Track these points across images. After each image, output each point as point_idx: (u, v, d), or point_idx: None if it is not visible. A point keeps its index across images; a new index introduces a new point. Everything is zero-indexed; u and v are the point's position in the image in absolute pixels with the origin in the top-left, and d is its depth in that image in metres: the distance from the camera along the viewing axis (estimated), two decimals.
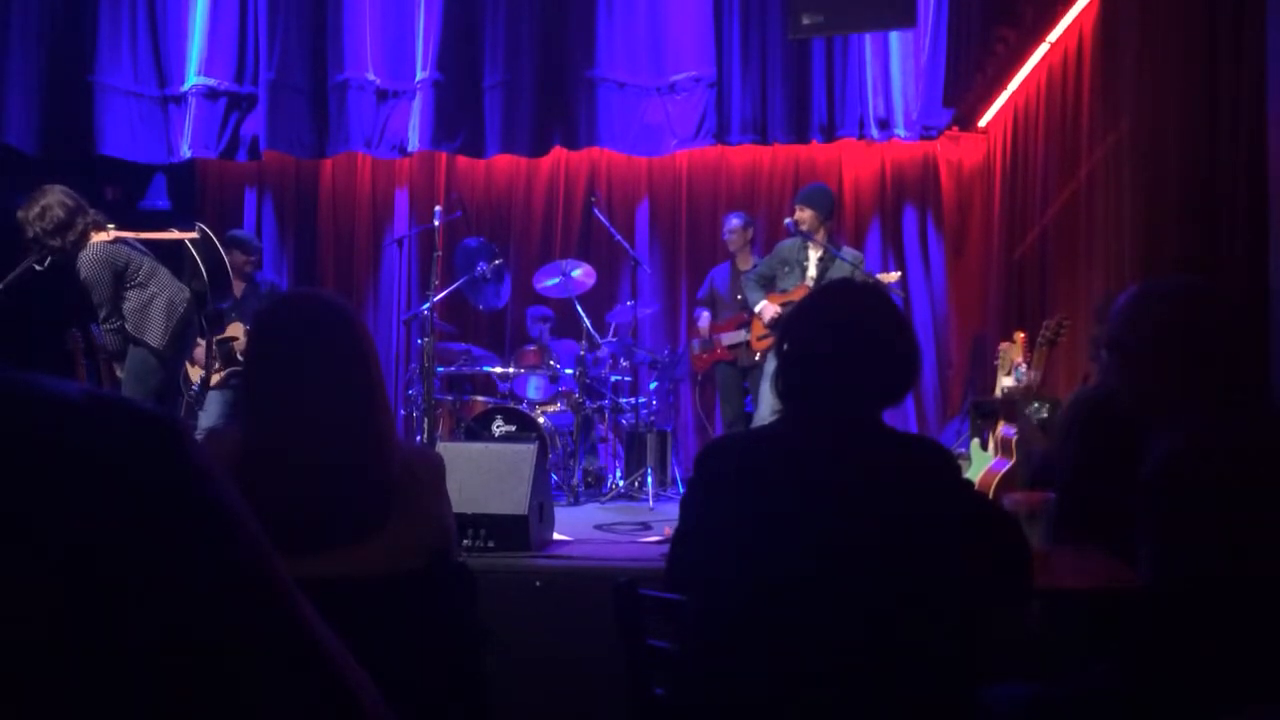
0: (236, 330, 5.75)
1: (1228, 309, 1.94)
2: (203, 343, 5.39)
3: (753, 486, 1.80)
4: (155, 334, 4.63)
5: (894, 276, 5.85)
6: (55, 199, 4.58)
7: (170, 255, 4.95)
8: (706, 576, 1.85)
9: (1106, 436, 2.34)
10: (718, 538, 1.84)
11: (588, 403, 6.37)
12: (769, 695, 1.71)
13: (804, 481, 1.77)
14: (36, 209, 4.56)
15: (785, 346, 1.89)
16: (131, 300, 4.63)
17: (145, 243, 4.86)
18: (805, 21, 5.66)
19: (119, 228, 4.77)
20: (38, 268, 4.61)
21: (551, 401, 6.58)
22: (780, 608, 1.72)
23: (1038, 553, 1.99)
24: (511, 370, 6.60)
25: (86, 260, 4.57)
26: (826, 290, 2.12)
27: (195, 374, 5.68)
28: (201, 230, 5.03)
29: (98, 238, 4.62)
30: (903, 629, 1.70)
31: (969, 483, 1.85)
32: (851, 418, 1.81)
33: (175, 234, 5.03)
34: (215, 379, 5.65)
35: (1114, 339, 1.99)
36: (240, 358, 5.59)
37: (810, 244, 5.89)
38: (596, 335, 6.50)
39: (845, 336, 1.83)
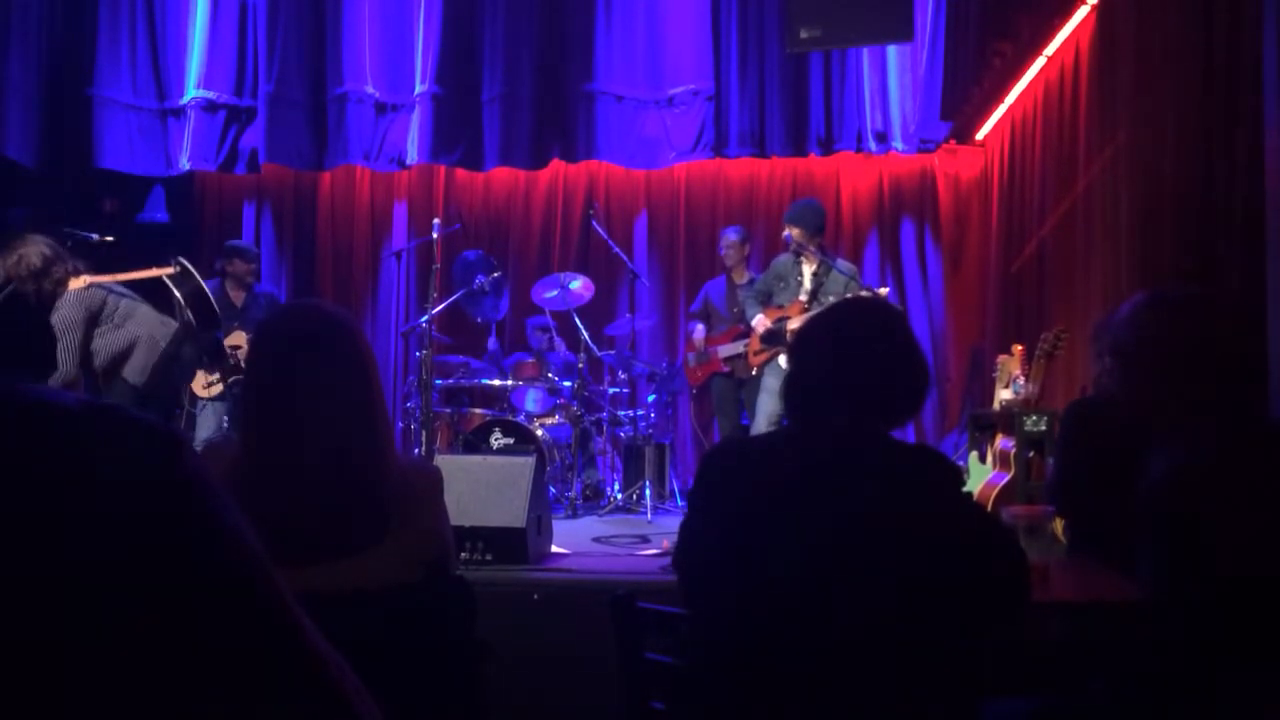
0: (239, 339, 5.75)
1: (1233, 319, 1.92)
2: (215, 375, 5.42)
3: (754, 497, 1.80)
4: (134, 370, 4.64)
5: (883, 293, 5.86)
6: (33, 249, 4.59)
7: (156, 293, 4.95)
8: (708, 588, 1.85)
9: (1097, 448, 2.33)
10: (719, 546, 1.83)
11: (586, 415, 6.37)
12: (768, 709, 1.71)
13: (805, 493, 1.76)
14: (13, 257, 4.58)
15: (797, 360, 1.89)
16: (107, 341, 4.63)
17: (126, 283, 4.85)
18: (803, 35, 5.67)
19: (108, 255, 4.77)
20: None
21: (550, 414, 6.57)
22: (779, 620, 1.72)
23: (1036, 565, 1.98)
24: (510, 383, 6.60)
25: (62, 303, 4.59)
26: (842, 306, 2.12)
27: (201, 385, 5.66)
28: (179, 263, 4.97)
29: (72, 285, 4.62)
30: (902, 643, 1.70)
31: (969, 495, 1.85)
32: (855, 431, 1.81)
33: (153, 271, 4.97)
34: (218, 389, 5.64)
35: (1117, 346, 1.97)
36: (244, 365, 5.59)
37: (803, 259, 5.90)
38: (595, 347, 6.50)
39: (855, 354, 1.83)
